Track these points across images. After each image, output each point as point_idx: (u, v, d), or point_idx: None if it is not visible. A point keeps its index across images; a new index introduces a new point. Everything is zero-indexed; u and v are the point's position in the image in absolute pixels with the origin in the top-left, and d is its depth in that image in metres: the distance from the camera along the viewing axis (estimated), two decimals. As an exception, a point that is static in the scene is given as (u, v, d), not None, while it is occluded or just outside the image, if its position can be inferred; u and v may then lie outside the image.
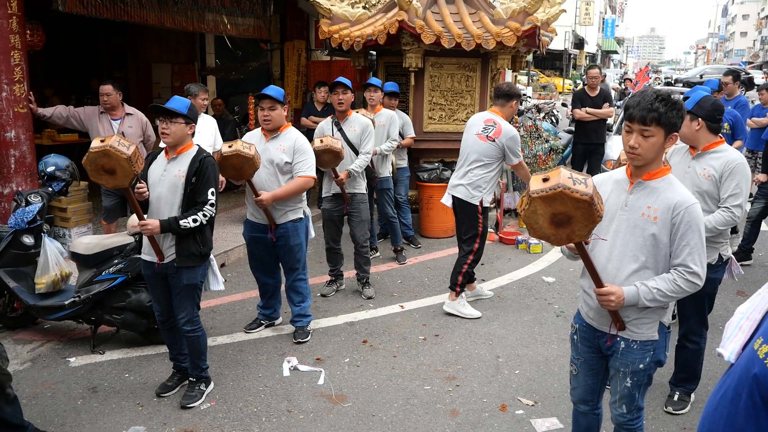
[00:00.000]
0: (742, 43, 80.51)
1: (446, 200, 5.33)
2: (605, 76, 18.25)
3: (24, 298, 4.58)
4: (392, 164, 6.85)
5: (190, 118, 3.73)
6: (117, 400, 3.98)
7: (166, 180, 3.72)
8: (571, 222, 2.28)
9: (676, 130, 2.53)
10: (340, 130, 5.54)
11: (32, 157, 5.77)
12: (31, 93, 5.76)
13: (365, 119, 5.69)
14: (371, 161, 6.34)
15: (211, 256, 3.96)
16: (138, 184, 3.64)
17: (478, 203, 5.14)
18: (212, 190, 3.72)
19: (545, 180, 2.27)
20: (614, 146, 8.85)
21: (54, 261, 4.64)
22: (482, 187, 5.13)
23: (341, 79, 5.48)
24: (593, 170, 9.04)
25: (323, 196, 5.62)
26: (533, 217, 2.31)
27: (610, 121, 10.14)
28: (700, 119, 3.60)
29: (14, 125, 5.57)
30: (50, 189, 5.02)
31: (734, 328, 1.59)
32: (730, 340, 1.59)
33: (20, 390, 4.09)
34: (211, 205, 3.71)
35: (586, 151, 9.22)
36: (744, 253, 6.72)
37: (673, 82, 27.87)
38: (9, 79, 5.49)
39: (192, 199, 3.70)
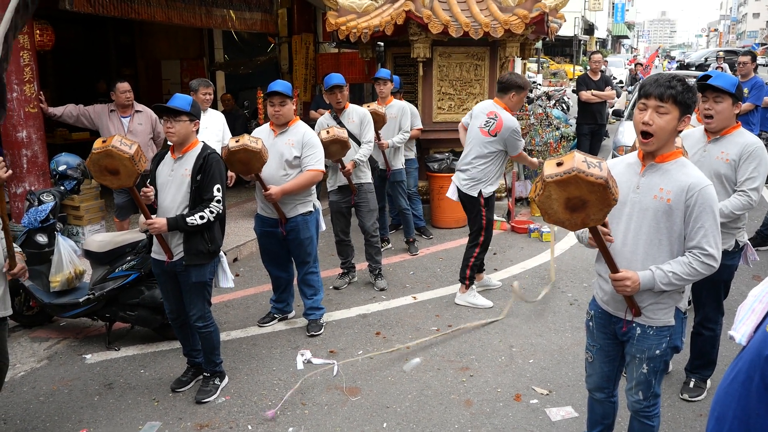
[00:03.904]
0: (755, 25, 79.33)
1: (452, 194, 5.29)
2: (606, 62, 18.71)
3: (39, 297, 4.62)
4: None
5: (194, 115, 3.72)
6: (133, 396, 4.02)
7: (174, 180, 3.72)
8: (585, 206, 2.26)
9: (690, 113, 2.51)
10: (340, 123, 5.53)
11: (44, 157, 5.81)
12: (41, 93, 5.79)
13: (362, 109, 5.68)
14: (383, 154, 6.34)
15: (222, 253, 3.95)
16: (144, 188, 3.64)
17: (477, 194, 5.10)
18: (218, 186, 3.70)
19: (559, 164, 2.23)
20: (626, 132, 8.80)
21: (68, 259, 4.68)
22: (482, 180, 5.09)
23: (336, 80, 5.43)
24: (594, 151, 9.94)
25: (329, 190, 5.61)
26: (547, 202, 2.28)
27: (618, 105, 10.68)
28: (739, 102, 3.56)
29: (25, 125, 5.61)
30: (62, 188, 5.06)
31: (747, 311, 1.57)
32: (742, 322, 1.57)
33: (37, 387, 4.14)
34: (218, 201, 3.69)
35: (591, 131, 9.88)
36: (762, 238, 6.64)
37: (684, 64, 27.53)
38: (19, 79, 5.52)
39: (199, 197, 3.69)
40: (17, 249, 3.33)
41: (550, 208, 2.30)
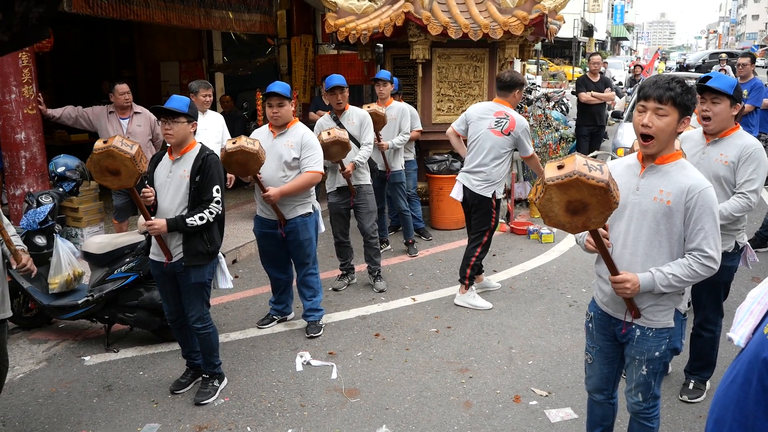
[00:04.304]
0: (754, 27, 79.45)
1: (457, 195, 5.28)
2: (606, 63, 18.89)
3: (38, 299, 4.61)
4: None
5: (192, 116, 3.73)
6: (132, 398, 4.01)
7: (172, 181, 3.73)
8: (586, 209, 2.24)
9: (689, 114, 2.51)
10: (339, 124, 5.53)
11: (43, 158, 5.80)
12: (40, 94, 5.79)
13: (362, 111, 5.68)
14: (383, 155, 6.34)
15: (220, 254, 3.96)
16: (144, 189, 3.64)
17: (491, 195, 5.12)
18: (217, 187, 3.71)
19: (560, 167, 2.22)
20: (625, 133, 8.81)
21: (67, 261, 4.67)
22: (496, 181, 5.13)
23: (337, 81, 5.44)
24: (593, 152, 9.86)
25: (328, 191, 5.61)
26: (548, 205, 2.27)
27: (618, 106, 10.78)
28: (738, 104, 3.55)
29: (24, 127, 5.60)
30: (61, 189, 5.05)
31: (745, 313, 1.57)
32: (740, 324, 1.56)
33: (36, 389, 4.13)
34: (217, 202, 3.70)
35: (590, 132, 9.89)
36: (761, 240, 6.64)
37: (684, 66, 27.56)
38: (17, 81, 5.52)
39: (198, 198, 3.70)
40: (20, 246, 3.34)
41: (550, 211, 2.28)
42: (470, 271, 5.27)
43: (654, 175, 2.58)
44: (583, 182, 2.17)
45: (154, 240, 3.80)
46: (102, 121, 5.98)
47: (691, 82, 2.74)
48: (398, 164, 6.61)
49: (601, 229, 2.43)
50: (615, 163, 2.77)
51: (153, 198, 3.70)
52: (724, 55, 20.92)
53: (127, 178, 3.47)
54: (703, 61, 29.63)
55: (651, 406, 2.77)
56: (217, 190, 3.71)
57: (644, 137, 2.53)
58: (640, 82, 8.51)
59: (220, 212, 3.74)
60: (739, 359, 1.51)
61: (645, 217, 2.57)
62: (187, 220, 3.62)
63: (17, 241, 3.40)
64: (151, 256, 3.90)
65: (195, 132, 3.81)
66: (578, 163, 2.19)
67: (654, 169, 2.58)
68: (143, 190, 3.64)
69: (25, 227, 4.61)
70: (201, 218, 3.64)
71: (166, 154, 3.84)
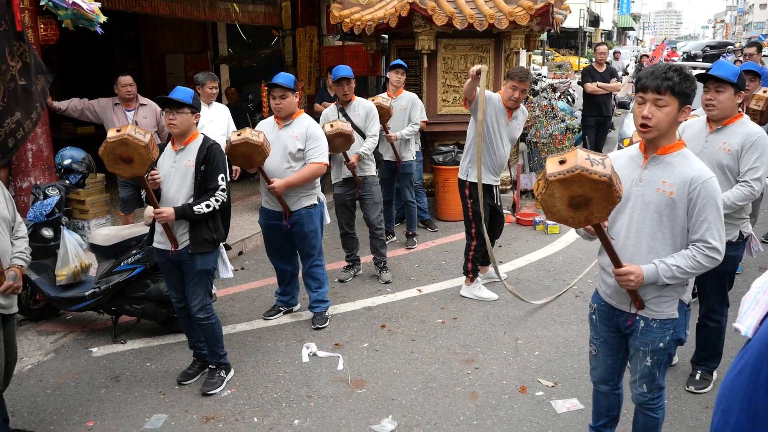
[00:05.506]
0: (762, 16, 78.58)
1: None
2: (618, 53, 18.78)
3: (45, 290, 4.63)
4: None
5: (195, 107, 3.77)
6: (139, 389, 4.03)
7: (176, 171, 3.76)
8: (589, 204, 2.23)
9: (689, 102, 2.48)
10: (345, 115, 5.53)
11: (49, 151, 5.81)
12: (45, 87, 5.79)
13: (368, 103, 5.68)
14: (392, 146, 6.34)
15: (220, 245, 3.98)
16: (152, 171, 3.68)
17: (463, 178, 5.16)
18: (222, 175, 3.76)
19: (562, 162, 2.20)
20: (631, 124, 8.76)
21: (73, 253, 4.69)
22: (465, 160, 5.17)
23: (344, 72, 5.46)
24: (600, 143, 9.90)
25: (333, 182, 5.62)
26: (550, 200, 2.25)
27: (620, 95, 10.75)
28: (742, 92, 3.52)
29: (30, 119, 5.60)
30: (67, 182, 5.07)
31: (751, 302, 1.55)
32: (746, 314, 1.55)
33: (44, 380, 4.16)
34: (222, 190, 3.76)
35: (596, 123, 9.83)
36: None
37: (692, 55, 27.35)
38: (23, 73, 5.51)
39: (203, 187, 3.74)
40: (18, 263, 3.25)
41: (553, 206, 2.27)
42: (471, 265, 5.26)
43: (657, 166, 2.56)
44: (586, 177, 2.15)
45: (158, 228, 3.85)
46: (108, 113, 6.00)
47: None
48: (410, 154, 6.60)
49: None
50: (618, 154, 2.75)
51: (160, 180, 3.74)
52: (738, 45, 20.64)
53: (140, 166, 3.51)
54: (703, 50, 29.39)
55: (656, 397, 2.77)
56: (222, 179, 3.76)
57: (643, 126, 2.51)
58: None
59: (225, 200, 3.79)
60: (747, 349, 1.50)
61: (648, 208, 2.55)
62: (194, 208, 3.67)
63: (23, 246, 3.32)
64: (155, 244, 3.94)
65: (197, 123, 3.84)
66: (580, 158, 2.17)
67: (656, 160, 2.56)
68: (151, 172, 3.69)
69: (32, 219, 4.63)
70: (207, 206, 3.69)
71: (169, 144, 3.87)
